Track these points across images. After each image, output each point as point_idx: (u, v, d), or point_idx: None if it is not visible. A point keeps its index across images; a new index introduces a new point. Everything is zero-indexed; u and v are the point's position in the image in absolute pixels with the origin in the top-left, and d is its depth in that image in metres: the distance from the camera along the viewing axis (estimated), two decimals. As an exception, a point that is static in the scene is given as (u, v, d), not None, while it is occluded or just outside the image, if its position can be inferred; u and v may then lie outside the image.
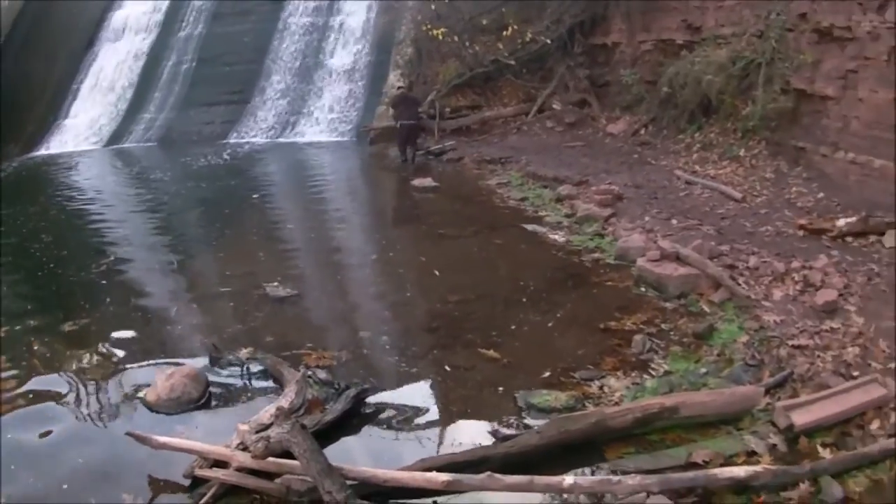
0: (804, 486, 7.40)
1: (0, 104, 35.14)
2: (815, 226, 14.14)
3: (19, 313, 13.97)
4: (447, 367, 10.79)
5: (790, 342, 10.15)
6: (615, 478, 7.49)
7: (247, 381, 10.85)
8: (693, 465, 7.90)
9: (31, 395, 10.64)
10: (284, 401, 9.37)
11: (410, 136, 26.55)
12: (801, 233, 14.16)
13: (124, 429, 9.10)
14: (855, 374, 9.24)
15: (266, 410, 9.18)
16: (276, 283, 14.18)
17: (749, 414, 8.77)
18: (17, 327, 13.19)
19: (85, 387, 10.79)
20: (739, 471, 7.40)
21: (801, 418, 8.28)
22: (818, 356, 9.71)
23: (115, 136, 35.20)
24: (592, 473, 8.07)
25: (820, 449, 8.09)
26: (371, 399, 9.93)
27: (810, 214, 15.09)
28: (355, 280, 15.44)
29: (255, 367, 11.05)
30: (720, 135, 20.62)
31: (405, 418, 9.68)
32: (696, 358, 10.49)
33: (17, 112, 35.82)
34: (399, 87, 28.75)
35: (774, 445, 8.20)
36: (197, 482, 8.28)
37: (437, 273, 14.80)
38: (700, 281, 12.53)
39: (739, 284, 12.16)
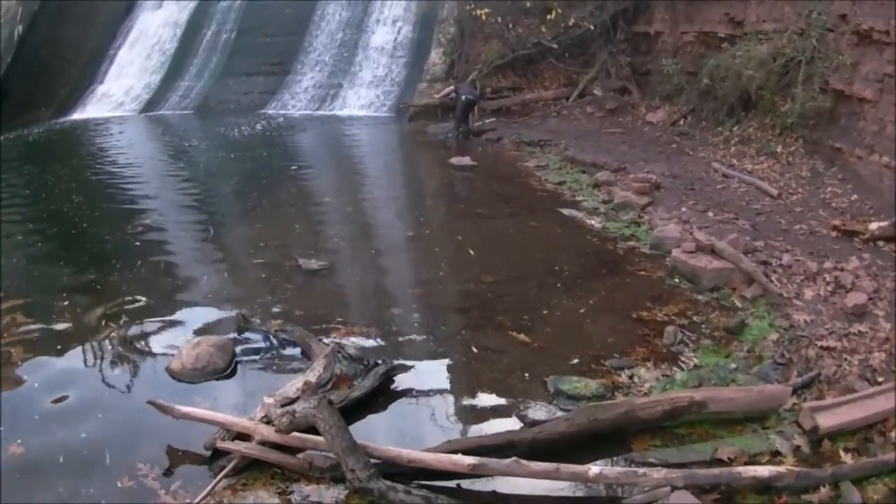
0: (825, 490, 7.39)
1: (32, 68, 35.41)
2: (848, 227, 14.12)
3: (51, 271, 14.33)
4: (477, 349, 10.80)
5: (819, 343, 10.13)
6: (641, 470, 7.50)
7: (274, 354, 10.85)
8: (718, 462, 7.93)
9: (53, 354, 10.84)
10: (312, 375, 9.33)
11: (469, 111, 26.76)
12: (834, 233, 14.13)
13: (145, 397, 9.09)
14: (880, 379, 9.25)
15: (292, 384, 9.19)
16: (309, 256, 14.22)
17: (776, 413, 8.77)
18: (48, 285, 13.51)
19: (108, 352, 10.89)
20: (763, 470, 7.41)
21: (826, 421, 8.28)
22: (845, 359, 9.71)
23: (152, 103, 35.15)
24: (619, 464, 8.05)
25: (842, 453, 8.08)
26: (399, 377, 9.93)
27: (844, 216, 15.05)
28: (389, 256, 15.43)
29: (284, 340, 11.06)
30: (758, 130, 20.48)
31: (432, 399, 9.70)
32: (726, 353, 10.48)
33: (49, 76, 35.91)
34: (455, 77, 28.84)
35: (798, 447, 8.19)
36: (217, 454, 8.31)
37: (471, 253, 14.77)
38: (734, 275, 12.50)
39: (772, 281, 12.12)
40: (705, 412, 8.64)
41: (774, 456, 8.09)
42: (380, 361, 10.00)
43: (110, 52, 37.92)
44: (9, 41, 35.31)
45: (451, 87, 27.39)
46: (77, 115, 34.70)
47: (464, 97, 26.63)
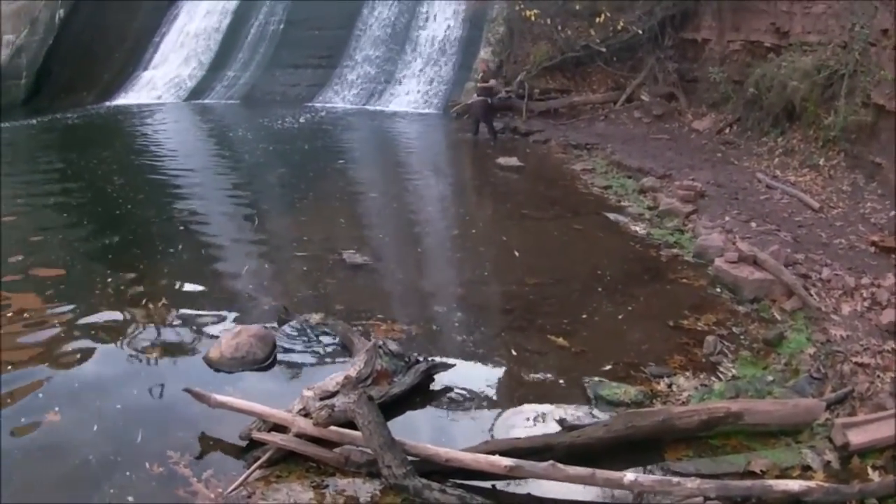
0: (851, 507, 7.46)
1: (74, 52, 36.21)
2: (886, 244, 14.02)
3: (95, 249, 14.73)
4: (517, 351, 10.88)
5: (854, 359, 10.09)
6: (675, 479, 7.52)
7: (315, 347, 10.86)
8: (750, 474, 7.97)
9: (91, 332, 11.07)
10: (353, 370, 9.36)
11: (484, 111, 26.72)
12: (872, 249, 14.06)
13: (181, 384, 9.16)
14: (910, 398, 9.26)
15: (332, 378, 9.19)
16: (353, 250, 14.33)
17: (809, 427, 8.80)
18: (91, 262, 13.91)
19: (146, 335, 11.07)
20: (794, 484, 7.43)
21: (856, 437, 8.28)
22: (878, 376, 9.68)
23: (197, 91, 35.71)
24: (654, 472, 8.09)
25: (870, 471, 8.10)
26: (438, 376, 9.96)
27: (882, 232, 14.92)
28: (434, 254, 15.62)
29: (324, 333, 11.09)
30: (802, 142, 20.38)
31: (470, 398, 9.72)
32: (763, 365, 10.49)
33: (92, 60, 36.87)
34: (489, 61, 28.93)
35: (829, 462, 8.22)
36: (252, 445, 8.35)
37: (516, 254, 14.88)
38: (774, 287, 12.49)
39: (811, 295, 12.11)
40: (741, 423, 8.67)
41: (805, 470, 8.11)
42: (421, 359, 10.07)
43: (155, 38, 38.61)
44: (49, 24, 35.93)
45: (495, 82, 27.34)
46: (120, 101, 35.38)
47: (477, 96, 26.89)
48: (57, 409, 8.97)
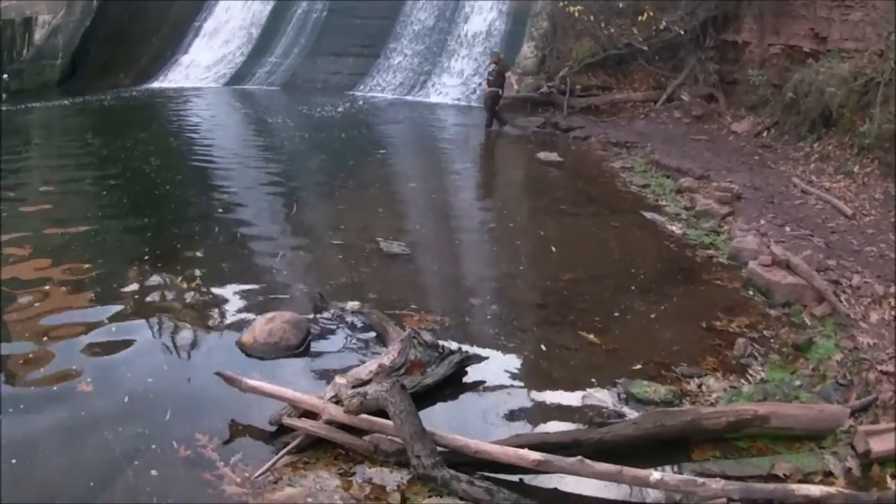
0: (868, 514, 7.50)
1: (112, 34, 36.33)
2: (915, 254, 13.98)
3: (134, 227, 14.96)
4: (549, 346, 10.96)
5: (879, 367, 10.12)
6: (700, 479, 7.57)
7: (348, 335, 10.90)
8: (774, 478, 8.03)
9: (125, 310, 11.23)
10: (386, 359, 9.43)
11: (488, 101, 26.94)
12: (901, 258, 14.01)
13: (212, 367, 9.30)
14: (932, 408, 9.26)
15: (366, 366, 9.27)
16: (390, 240, 14.36)
17: (833, 433, 8.84)
18: (130, 240, 14.18)
19: (178, 319, 11.11)
20: (815, 490, 7.47)
21: (878, 445, 8.34)
22: (902, 385, 9.74)
23: (237, 77, 35.48)
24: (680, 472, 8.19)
25: (888, 479, 8.16)
26: (470, 368, 9.99)
27: (912, 241, 14.88)
28: (471, 246, 15.68)
29: (359, 322, 11.12)
30: (837, 148, 20.17)
31: (501, 392, 9.80)
32: (792, 369, 10.54)
33: (129, 44, 36.75)
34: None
35: (850, 469, 8.28)
36: (281, 430, 8.39)
37: (553, 249, 14.93)
38: (806, 292, 12.51)
39: (841, 301, 12.14)
40: (767, 426, 8.73)
41: (827, 476, 8.15)
42: (455, 350, 10.08)
43: (195, 23, 38.34)
44: (87, 5, 35.96)
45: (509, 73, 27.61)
46: (158, 84, 35.28)
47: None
48: (89, 379, 9.20)
